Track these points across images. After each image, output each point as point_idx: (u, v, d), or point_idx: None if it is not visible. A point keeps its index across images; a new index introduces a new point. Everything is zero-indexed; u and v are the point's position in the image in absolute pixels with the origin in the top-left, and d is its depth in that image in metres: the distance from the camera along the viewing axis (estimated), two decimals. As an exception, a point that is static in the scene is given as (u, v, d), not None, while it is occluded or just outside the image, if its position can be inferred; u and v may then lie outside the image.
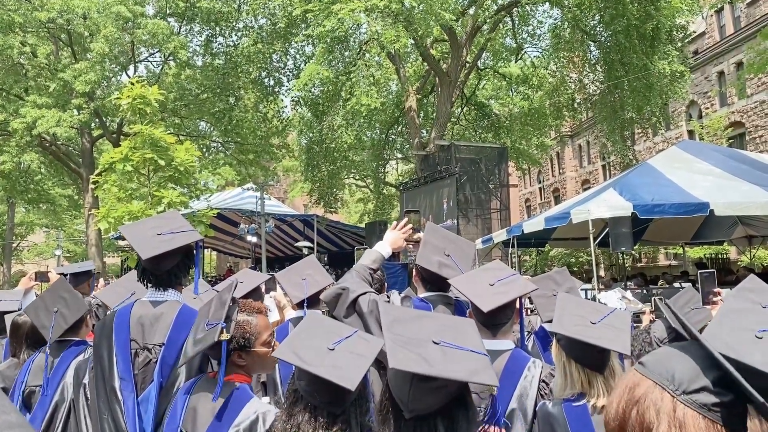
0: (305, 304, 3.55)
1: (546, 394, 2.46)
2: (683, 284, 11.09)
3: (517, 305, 2.72)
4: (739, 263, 19.63)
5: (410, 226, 3.21)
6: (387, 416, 1.62)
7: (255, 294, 3.99)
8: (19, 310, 3.96)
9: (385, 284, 3.79)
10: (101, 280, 6.06)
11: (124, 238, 2.91)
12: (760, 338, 1.38)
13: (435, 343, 1.60)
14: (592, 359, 2.26)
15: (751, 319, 1.53)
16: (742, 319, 1.53)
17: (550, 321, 3.62)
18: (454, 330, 1.70)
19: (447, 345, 1.61)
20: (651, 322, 3.44)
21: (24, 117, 19.99)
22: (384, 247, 3.20)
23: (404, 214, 3.31)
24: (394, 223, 3.30)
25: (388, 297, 2.99)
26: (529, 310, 5.81)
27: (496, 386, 1.48)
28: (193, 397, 2.19)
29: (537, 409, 2.37)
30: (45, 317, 3.15)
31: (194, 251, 2.79)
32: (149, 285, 2.71)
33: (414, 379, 1.54)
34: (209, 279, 26.56)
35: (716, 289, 3.37)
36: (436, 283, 2.99)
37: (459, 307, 3.04)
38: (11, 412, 0.81)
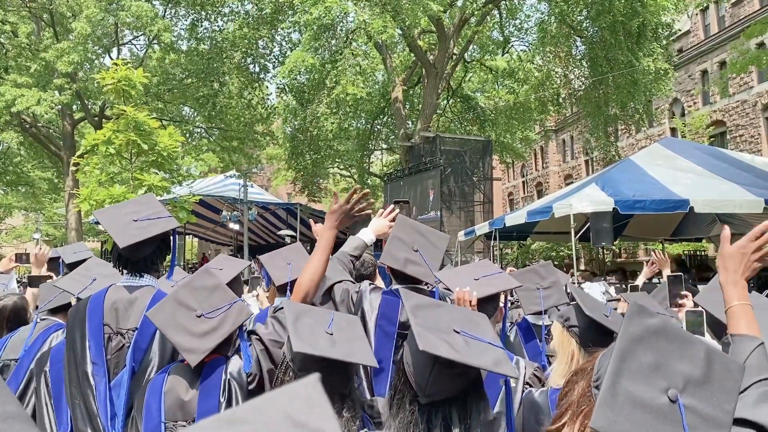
0: (288, 288, 3.54)
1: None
2: (661, 280, 11.20)
3: (501, 303, 2.73)
4: (716, 260, 19.88)
5: (397, 212, 3.18)
6: (402, 401, 1.62)
7: (235, 283, 3.93)
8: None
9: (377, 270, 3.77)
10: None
11: (102, 222, 2.89)
12: None
13: (456, 332, 1.62)
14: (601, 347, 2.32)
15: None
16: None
17: (533, 313, 3.67)
18: (470, 322, 1.72)
19: (467, 335, 1.63)
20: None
21: (3, 95, 19.63)
22: (367, 234, 3.17)
23: (393, 203, 3.30)
24: (380, 210, 3.27)
25: (359, 288, 2.97)
26: (510, 302, 5.86)
27: (516, 378, 1.50)
28: (168, 390, 2.16)
29: (523, 396, 2.38)
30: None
31: (171, 238, 2.76)
32: (125, 271, 2.68)
33: (435, 364, 1.55)
34: (191, 266, 26.39)
35: (683, 292, 3.42)
36: (407, 276, 2.96)
37: None
38: (11, 402, 0.79)
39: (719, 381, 1.00)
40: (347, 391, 1.79)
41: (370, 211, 2.86)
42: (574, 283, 10.56)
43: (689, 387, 0.99)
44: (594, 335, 2.34)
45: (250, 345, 2.29)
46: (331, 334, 1.80)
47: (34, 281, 4.20)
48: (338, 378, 1.76)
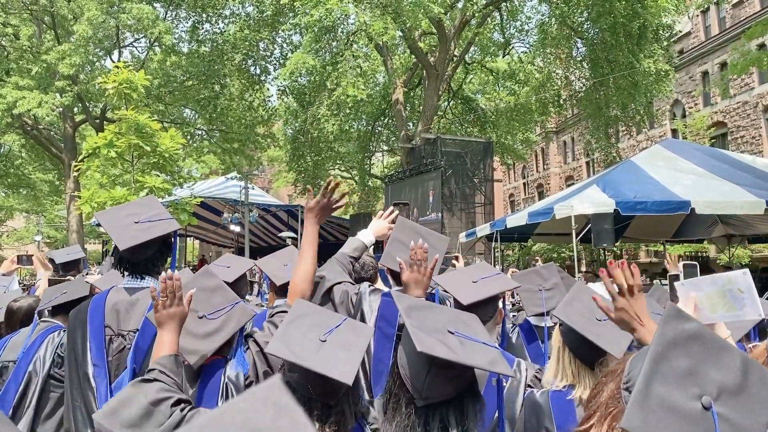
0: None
1: None
2: (663, 281, 11.20)
3: (500, 305, 2.72)
4: (718, 262, 19.89)
5: (396, 213, 3.17)
6: (398, 404, 1.60)
7: (242, 281, 3.93)
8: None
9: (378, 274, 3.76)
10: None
11: (104, 224, 2.91)
12: None
13: (450, 332, 1.61)
14: (585, 353, 2.23)
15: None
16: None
17: (535, 315, 3.65)
18: (463, 323, 1.70)
19: (461, 335, 1.61)
20: None
21: (4, 97, 19.66)
22: (367, 236, 3.16)
23: (392, 205, 3.29)
24: (380, 212, 3.26)
25: (359, 289, 2.96)
26: (512, 304, 5.85)
27: (512, 376, 1.48)
28: None
29: (525, 396, 2.38)
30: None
31: (172, 239, 2.76)
32: (126, 273, 2.68)
33: (432, 367, 1.54)
34: (191, 267, 26.38)
35: None
36: None
37: None
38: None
39: (755, 392, 0.97)
40: (333, 402, 1.69)
41: (347, 200, 2.82)
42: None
43: (723, 395, 0.97)
44: (573, 337, 2.28)
45: (247, 349, 2.27)
46: (324, 341, 1.71)
47: (52, 284, 4.26)
48: (321, 386, 1.66)
